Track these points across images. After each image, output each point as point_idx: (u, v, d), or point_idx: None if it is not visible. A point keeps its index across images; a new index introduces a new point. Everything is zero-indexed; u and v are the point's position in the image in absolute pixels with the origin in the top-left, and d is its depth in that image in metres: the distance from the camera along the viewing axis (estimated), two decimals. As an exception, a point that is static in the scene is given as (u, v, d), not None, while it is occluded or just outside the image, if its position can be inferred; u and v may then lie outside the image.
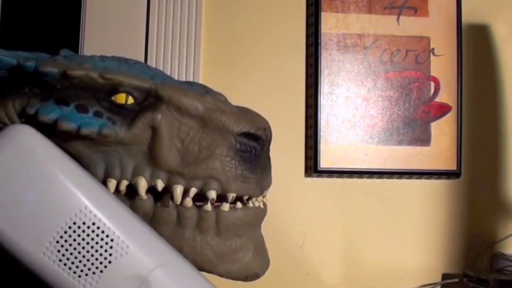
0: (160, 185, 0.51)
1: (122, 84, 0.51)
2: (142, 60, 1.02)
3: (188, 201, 0.52)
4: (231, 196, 0.52)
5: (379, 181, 1.06)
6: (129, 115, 0.51)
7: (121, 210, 0.44)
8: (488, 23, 1.11)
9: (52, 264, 0.40)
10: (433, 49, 1.06)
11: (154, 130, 0.51)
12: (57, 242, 0.40)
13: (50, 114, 0.48)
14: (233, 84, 1.06)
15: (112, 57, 0.57)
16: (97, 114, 0.51)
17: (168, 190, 0.52)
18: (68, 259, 0.40)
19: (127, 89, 0.51)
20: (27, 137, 0.42)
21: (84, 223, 0.40)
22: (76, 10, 1.03)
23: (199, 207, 0.53)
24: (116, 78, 0.51)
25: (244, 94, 1.05)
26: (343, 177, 1.05)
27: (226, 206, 0.53)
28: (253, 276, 0.56)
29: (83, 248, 0.40)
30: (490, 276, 0.90)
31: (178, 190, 0.51)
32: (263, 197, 0.60)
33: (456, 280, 1.00)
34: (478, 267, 1.05)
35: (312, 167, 1.02)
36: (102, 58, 0.55)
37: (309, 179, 1.06)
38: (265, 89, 1.06)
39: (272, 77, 1.06)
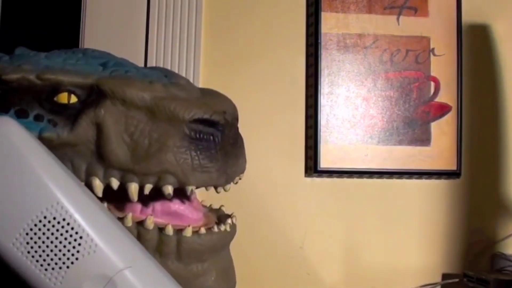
0: (115, 183, 0.49)
1: (63, 83, 0.49)
2: (142, 61, 1.02)
3: (150, 223, 0.50)
4: (190, 189, 0.49)
5: (379, 181, 1.06)
6: (72, 114, 0.49)
7: (95, 209, 0.43)
8: (488, 23, 1.11)
9: (20, 255, 0.41)
10: (433, 49, 1.06)
11: (99, 127, 0.48)
12: (27, 234, 0.40)
13: None
14: (233, 84, 1.06)
15: (65, 51, 0.54)
16: (37, 118, 0.49)
17: (124, 188, 0.50)
18: (36, 251, 0.41)
19: (68, 88, 0.49)
20: (7, 128, 0.42)
21: (54, 218, 0.41)
22: (76, 10, 1.03)
23: (161, 230, 0.51)
24: (55, 78, 0.49)
25: (244, 94, 1.05)
26: (343, 177, 1.05)
27: (188, 231, 0.51)
28: None
29: (52, 242, 0.41)
30: (490, 276, 0.90)
31: (132, 187, 0.49)
32: (231, 217, 0.57)
33: (456, 280, 1.00)
34: (478, 267, 1.05)
35: (312, 167, 1.02)
36: (49, 55, 0.53)
37: (309, 179, 1.06)
38: (265, 89, 1.06)
39: (272, 77, 1.06)
